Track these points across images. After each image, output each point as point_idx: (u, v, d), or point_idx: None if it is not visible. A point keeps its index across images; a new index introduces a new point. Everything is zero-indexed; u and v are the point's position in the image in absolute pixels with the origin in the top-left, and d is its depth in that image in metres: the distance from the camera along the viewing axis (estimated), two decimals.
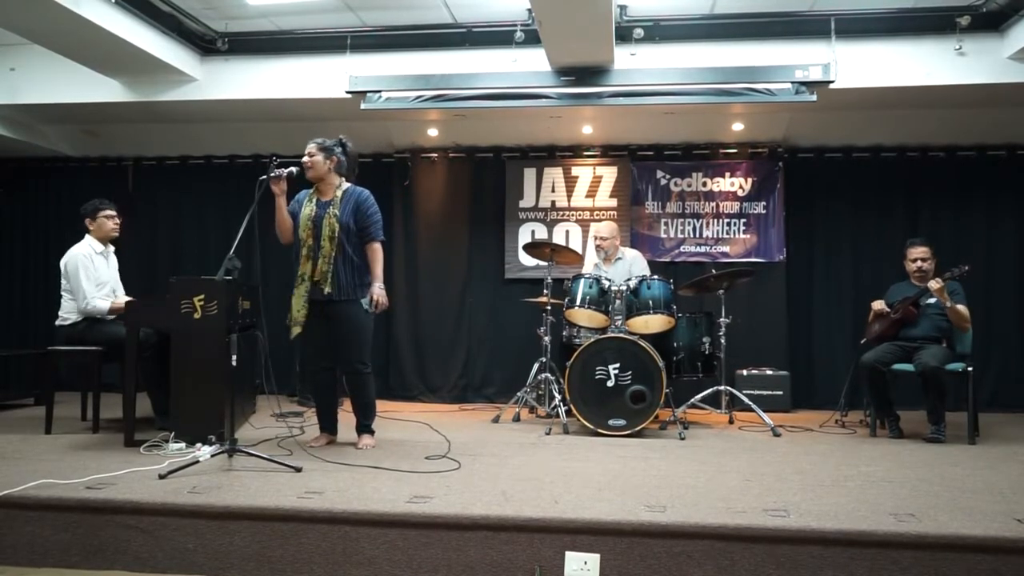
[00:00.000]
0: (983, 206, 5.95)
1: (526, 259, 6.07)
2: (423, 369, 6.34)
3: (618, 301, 4.68)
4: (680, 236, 6.20)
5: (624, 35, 5.10)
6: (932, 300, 4.47)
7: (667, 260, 6.15)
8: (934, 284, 4.34)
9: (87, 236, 4.48)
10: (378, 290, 3.84)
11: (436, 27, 5.30)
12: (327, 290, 3.75)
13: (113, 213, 4.53)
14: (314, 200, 3.85)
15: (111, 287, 4.47)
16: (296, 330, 3.79)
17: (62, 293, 4.36)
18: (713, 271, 5.03)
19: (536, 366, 5.21)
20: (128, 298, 4.48)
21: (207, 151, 6.66)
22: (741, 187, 6.13)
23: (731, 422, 5.03)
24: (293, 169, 3.75)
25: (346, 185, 3.91)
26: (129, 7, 4.75)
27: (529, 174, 6.35)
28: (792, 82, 4.91)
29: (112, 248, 4.61)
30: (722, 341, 4.97)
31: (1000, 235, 5.94)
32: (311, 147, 3.85)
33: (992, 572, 2.35)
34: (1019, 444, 4.30)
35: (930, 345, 4.43)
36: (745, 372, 5.71)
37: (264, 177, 3.65)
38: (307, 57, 5.46)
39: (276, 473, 3.17)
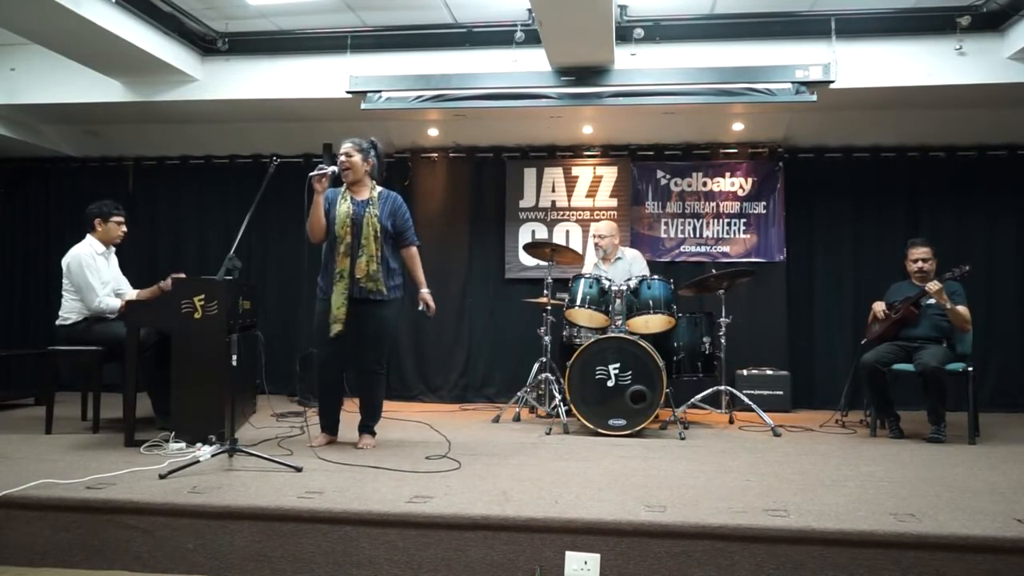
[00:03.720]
0: (983, 206, 5.96)
1: (526, 259, 6.08)
2: (423, 369, 6.34)
3: (618, 301, 4.69)
4: (680, 236, 6.20)
5: (624, 35, 5.10)
6: (933, 300, 4.46)
7: (667, 260, 6.15)
8: (932, 286, 4.34)
9: (89, 236, 4.45)
10: (428, 295, 3.93)
11: (436, 27, 5.31)
12: (374, 289, 3.75)
13: (123, 219, 4.52)
14: (348, 198, 3.82)
15: (112, 287, 4.46)
16: (336, 328, 3.73)
17: (63, 293, 4.35)
18: (713, 271, 5.04)
19: (536, 366, 5.21)
20: (136, 292, 4.49)
21: (207, 151, 6.67)
22: (741, 187, 6.13)
23: (731, 422, 5.03)
24: (335, 168, 3.75)
25: (379, 188, 3.91)
26: (130, 7, 4.75)
27: (529, 174, 6.36)
28: (792, 82, 4.91)
29: (112, 249, 4.59)
30: (722, 341, 4.97)
31: (1000, 235, 5.95)
32: (348, 147, 3.82)
33: (992, 572, 2.35)
34: (1019, 444, 4.30)
35: (930, 345, 4.43)
36: (745, 372, 5.71)
37: (311, 175, 3.67)
38: (307, 57, 5.46)
39: (276, 473, 3.17)
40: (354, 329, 3.78)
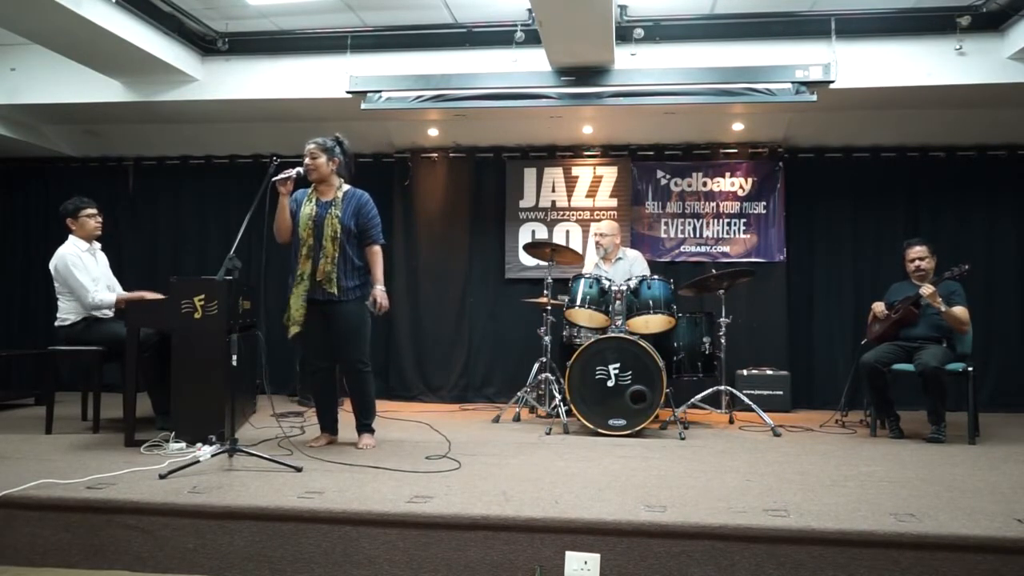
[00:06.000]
0: (983, 206, 5.96)
1: (526, 259, 6.08)
2: (423, 369, 6.34)
3: (618, 301, 4.69)
4: (680, 236, 6.20)
5: (624, 35, 5.11)
6: None
7: (667, 260, 6.15)
8: (926, 290, 4.34)
9: (71, 237, 4.43)
10: (380, 292, 3.85)
11: (436, 27, 5.31)
12: (330, 290, 3.76)
13: (95, 211, 4.48)
14: (314, 200, 3.84)
15: (104, 283, 4.45)
16: (294, 329, 3.77)
17: (57, 296, 4.34)
18: (713, 271, 5.03)
19: (536, 366, 5.21)
20: (128, 295, 4.48)
21: (207, 151, 6.67)
22: (741, 187, 6.13)
23: (731, 422, 5.03)
24: (300, 170, 3.74)
25: (346, 187, 3.91)
26: (130, 7, 4.75)
27: (529, 174, 6.36)
28: (792, 82, 4.91)
29: (98, 245, 4.57)
30: (722, 341, 4.97)
31: (1000, 235, 5.95)
32: (312, 148, 3.82)
33: (992, 572, 2.35)
34: (1019, 444, 4.30)
35: (930, 345, 4.43)
36: (745, 372, 5.71)
37: (275, 179, 3.65)
38: (307, 57, 5.47)
39: (276, 473, 3.17)
40: (327, 331, 3.81)
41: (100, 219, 4.52)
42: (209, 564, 2.62)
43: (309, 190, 3.88)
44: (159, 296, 4.17)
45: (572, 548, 2.49)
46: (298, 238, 3.80)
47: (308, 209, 3.80)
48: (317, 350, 3.89)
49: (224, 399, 3.60)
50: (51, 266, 4.32)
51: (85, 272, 4.29)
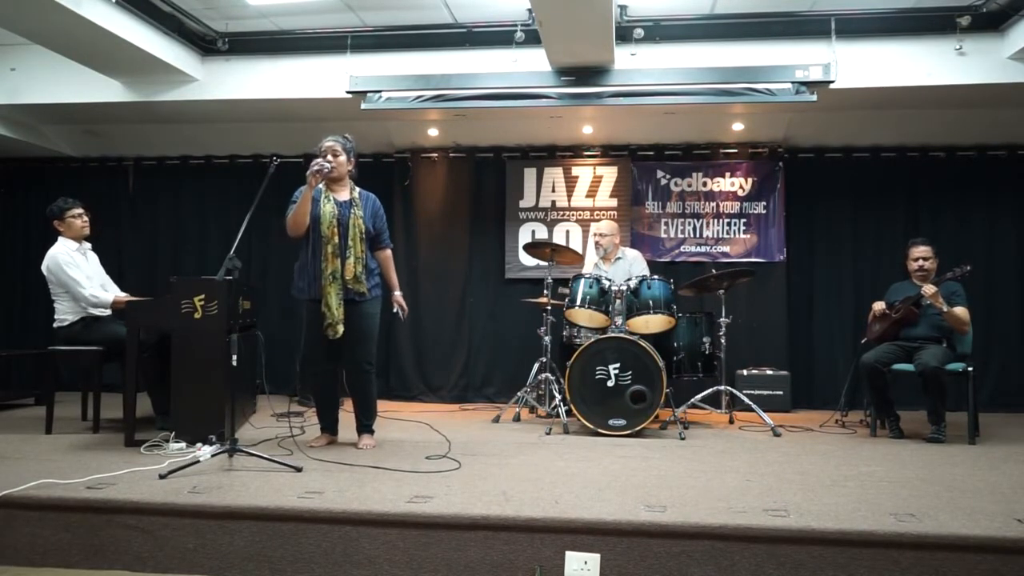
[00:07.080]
0: (983, 206, 5.96)
1: (526, 259, 6.08)
2: (423, 369, 6.34)
3: (618, 301, 4.69)
4: (680, 236, 6.20)
5: (624, 35, 5.11)
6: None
7: (667, 260, 6.15)
8: (928, 290, 4.34)
9: (60, 238, 4.43)
10: (401, 297, 4.03)
11: (436, 27, 5.31)
12: (361, 290, 3.78)
13: (80, 211, 4.47)
14: (331, 198, 3.80)
15: (98, 282, 4.45)
16: (340, 329, 3.71)
17: (53, 297, 4.34)
18: (713, 271, 5.03)
19: (536, 366, 5.21)
20: (127, 295, 4.48)
21: (207, 151, 6.67)
22: (741, 187, 6.13)
23: (731, 422, 5.03)
24: (328, 166, 3.73)
25: (357, 188, 3.92)
26: (130, 7, 4.75)
27: (529, 174, 6.36)
28: (792, 82, 4.91)
29: (88, 245, 4.56)
30: (722, 341, 4.98)
31: (1000, 235, 5.95)
32: (334, 146, 3.80)
33: (992, 572, 2.35)
34: (1019, 444, 4.30)
35: (930, 345, 4.43)
36: (745, 372, 5.71)
37: (311, 170, 3.61)
38: (307, 57, 5.47)
39: (276, 473, 3.17)
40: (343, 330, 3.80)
41: (87, 218, 4.51)
42: (209, 564, 2.62)
43: (322, 187, 3.84)
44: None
45: (572, 548, 2.49)
46: (319, 235, 3.74)
47: (329, 207, 3.76)
48: (323, 350, 3.84)
49: (224, 399, 3.60)
50: (43, 267, 4.32)
51: (77, 269, 4.30)
